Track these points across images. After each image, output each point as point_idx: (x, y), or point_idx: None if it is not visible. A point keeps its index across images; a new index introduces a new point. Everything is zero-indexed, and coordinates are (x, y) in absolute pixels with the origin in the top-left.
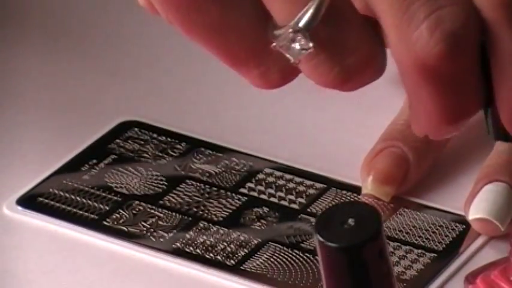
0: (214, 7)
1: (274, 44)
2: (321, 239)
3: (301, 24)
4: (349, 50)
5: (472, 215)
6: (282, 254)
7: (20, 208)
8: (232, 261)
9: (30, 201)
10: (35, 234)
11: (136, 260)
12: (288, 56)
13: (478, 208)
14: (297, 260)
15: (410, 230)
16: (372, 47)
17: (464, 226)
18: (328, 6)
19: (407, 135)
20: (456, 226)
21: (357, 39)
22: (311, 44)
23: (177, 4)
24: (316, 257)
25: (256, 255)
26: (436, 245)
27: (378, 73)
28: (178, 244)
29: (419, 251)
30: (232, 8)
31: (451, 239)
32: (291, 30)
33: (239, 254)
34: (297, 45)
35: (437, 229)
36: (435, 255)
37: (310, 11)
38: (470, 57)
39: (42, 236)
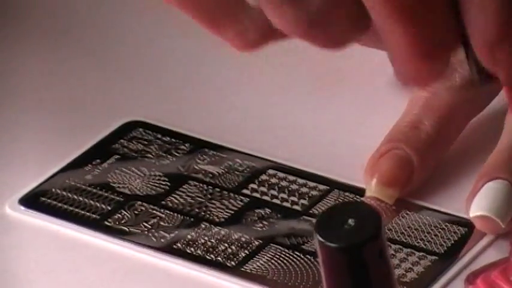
0: None
1: None
2: (321, 239)
3: None
4: None
5: (473, 212)
6: (283, 256)
7: (22, 207)
8: (232, 263)
9: (32, 201)
10: (36, 233)
11: (136, 260)
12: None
13: (479, 205)
14: (297, 262)
15: (412, 232)
16: None
17: (466, 229)
18: None
19: (410, 136)
20: (458, 229)
21: None
22: None
23: None
24: (317, 259)
25: (257, 256)
26: (438, 248)
27: (350, 20)
28: (179, 245)
29: (421, 253)
30: None
31: (452, 241)
32: None
33: (240, 255)
34: None
35: (439, 232)
36: (436, 257)
37: None
38: None
39: (43, 235)
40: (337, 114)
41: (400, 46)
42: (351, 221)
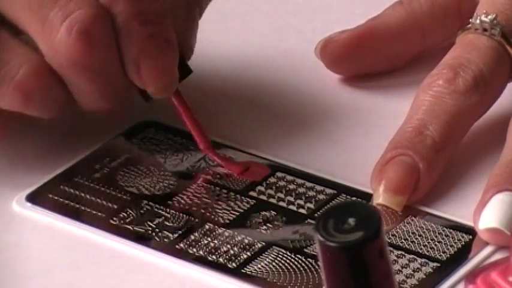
0: None
1: None
2: (321, 238)
3: None
4: (13, 67)
5: (482, 225)
6: (284, 259)
7: (29, 204)
8: (233, 264)
9: (39, 198)
10: (42, 230)
11: (138, 259)
12: None
13: (489, 218)
14: (298, 265)
15: (416, 238)
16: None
17: (470, 237)
18: None
19: (416, 143)
20: (462, 236)
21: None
22: None
23: None
24: (318, 262)
25: (258, 258)
26: (440, 255)
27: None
28: (182, 245)
29: (423, 260)
30: None
31: (456, 249)
32: None
33: (241, 257)
34: None
35: (442, 239)
36: (438, 264)
37: None
38: (105, 45)
39: (49, 232)
40: (346, 117)
41: (89, 94)
42: (351, 221)
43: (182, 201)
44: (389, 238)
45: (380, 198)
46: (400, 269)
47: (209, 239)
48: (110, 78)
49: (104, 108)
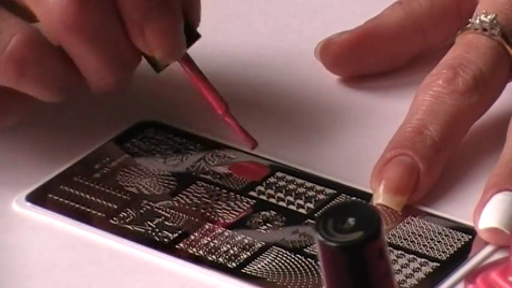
0: None
1: None
2: (321, 238)
3: None
4: (5, 37)
5: (482, 225)
6: (284, 258)
7: (29, 204)
8: (233, 264)
9: (39, 198)
10: (42, 230)
11: (138, 259)
12: None
13: (489, 217)
14: (298, 265)
15: (416, 238)
16: None
17: (470, 236)
18: None
19: (416, 142)
20: (462, 236)
21: None
22: None
23: None
24: (318, 262)
25: (258, 258)
26: (440, 255)
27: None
28: (181, 245)
29: (423, 260)
30: None
31: (455, 249)
32: None
33: (241, 257)
34: None
35: (442, 238)
36: (438, 264)
37: None
38: (102, 7)
39: (48, 232)
40: (346, 117)
41: (93, 65)
42: (351, 221)
43: (182, 201)
44: (389, 238)
45: (380, 198)
46: (400, 268)
47: (209, 239)
48: (112, 45)
49: (112, 85)
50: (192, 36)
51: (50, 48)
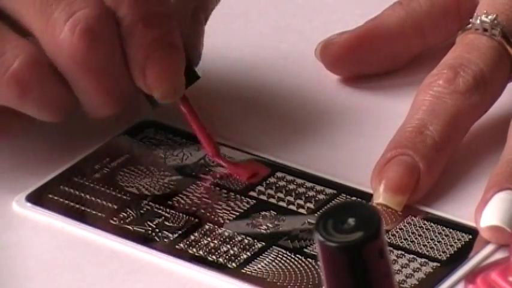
0: None
1: None
2: (321, 238)
3: None
4: (9, 58)
5: (484, 223)
6: (284, 259)
7: (29, 204)
8: (233, 264)
9: (39, 198)
10: (42, 230)
11: (138, 259)
12: None
13: (490, 216)
14: (298, 265)
15: (416, 238)
16: None
17: (470, 236)
18: None
19: (416, 142)
20: (462, 236)
21: None
22: None
23: None
24: (318, 262)
25: (258, 258)
26: (440, 255)
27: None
28: (181, 245)
29: (423, 260)
30: None
31: (455, 249)
32: None
33: (241, 257)
34: None
35: (442, 238)
36: (438, 264)
37: None
38: (109, 46)
39: (48, 232)
40: (346, 117)
41: (93, 97)
42: (351, 221)
43: (182, 201)
44: (389, 238)
45: (380, 198)
46: (400, 268)
47: (209, 239)
48: (114, 81)
49: (108, 114)
50: (192, 76)
51: (52, 70)
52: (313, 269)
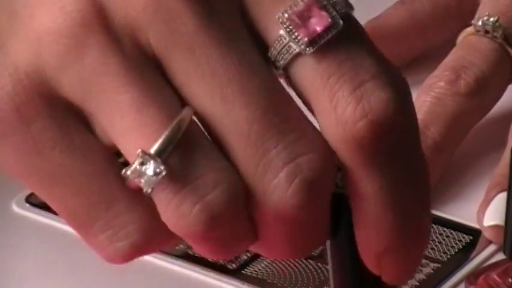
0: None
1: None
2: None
3: (152, 150)
4: (208, 183)
5: (487, 222)
6: (284, 260)
7: (28, 205)
8: (234, 265)
9: (39, 199)
10: (42, 231)
11: (138, 260)
12: (142, 186)
13: (493, 215)
14: (299, 266)
15: None
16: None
17: (471, 237)
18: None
19: None
20: (463, 237)
21: (213, 171)
22: (163, 167)
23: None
24: (319, 263)
25: (258, 259)
26: (441, 256)
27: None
28: (181, 246)
29: (424, 261)
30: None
31: (456, 250)
32: (140, 156)
33: (242, 258)
34: (148, 171)
35: (443, 239)
36: (439, 265)
37: (163, 137)
38: (324, 204)
39: (48, 233)
40: None
41: (275, 247)
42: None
43: None
44: None
45: None
46: None
47: None
48: (313, 235)
49: (288, 258)
50: None
51: (246, 209)
52: (313, 270)
